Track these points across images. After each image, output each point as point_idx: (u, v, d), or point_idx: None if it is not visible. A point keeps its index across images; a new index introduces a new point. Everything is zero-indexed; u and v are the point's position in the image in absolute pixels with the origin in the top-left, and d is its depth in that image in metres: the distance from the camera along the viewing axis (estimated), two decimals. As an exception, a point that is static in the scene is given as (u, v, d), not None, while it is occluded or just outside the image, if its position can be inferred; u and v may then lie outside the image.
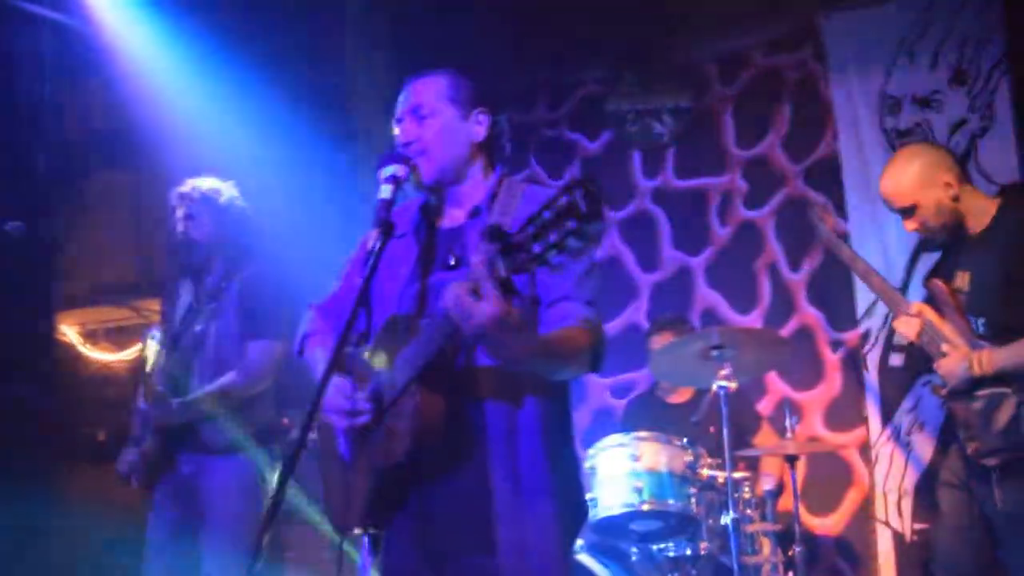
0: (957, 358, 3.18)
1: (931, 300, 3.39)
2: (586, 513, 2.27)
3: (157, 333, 3.89)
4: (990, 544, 3.21)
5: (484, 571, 2.06)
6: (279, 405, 3.81)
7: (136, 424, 3.75)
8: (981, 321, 3.18)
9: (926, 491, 4.40)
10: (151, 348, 3.85)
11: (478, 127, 2.24)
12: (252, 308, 3.64)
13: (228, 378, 3.57)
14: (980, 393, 3.14)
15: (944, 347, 3.23)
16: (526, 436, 2.08)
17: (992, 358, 3.09)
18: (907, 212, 3.28)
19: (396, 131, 2.25)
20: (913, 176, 3.27)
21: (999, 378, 3.09)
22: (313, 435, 4.18)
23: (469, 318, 1.76)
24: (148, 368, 3.78)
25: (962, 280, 3.25)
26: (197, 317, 3.72)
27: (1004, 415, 3.08)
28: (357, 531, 2.24)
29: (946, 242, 3.33)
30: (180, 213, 3.76)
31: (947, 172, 3.24)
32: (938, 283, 3.32)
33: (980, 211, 3.24)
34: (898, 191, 3.30)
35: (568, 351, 2.03)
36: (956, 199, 3.23)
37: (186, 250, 3.78)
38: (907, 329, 3.32)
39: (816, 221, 3.86)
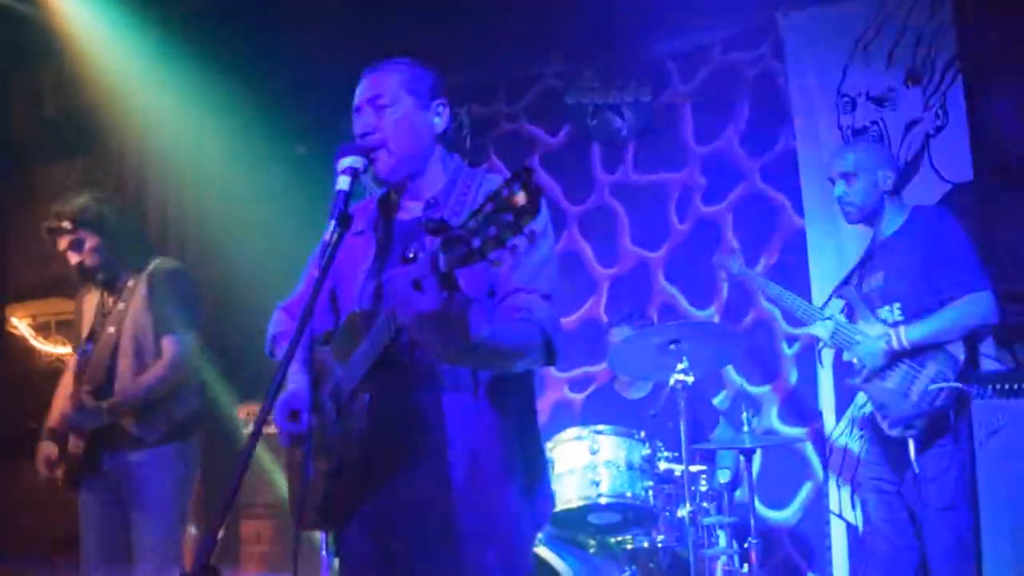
0: (872, 339, 3.47)
1: (845, 307, 3.72)
2: (549, 505, 2.25)
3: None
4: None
5: (442, 564, 2.05)
6: (202, 395, 3.87)
7: (58, 426, 3.72)
8: (897, 306, 3.49)
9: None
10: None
11: (437, 118, 2.22)
12: (161, 304, 3.68)
13: (148, 376, 3.63)
14: (893, 372, 3.42)
15: (857, 338, 3.53)
16: (485, 429, 2.07)
17: (908, 332, 3.38)
18: (846, 176, 3.61)
19: (354, 121, 2.22)
20: (867, 152, 3.66)
21: (913, 354, 3.38)
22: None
23: (407, 311, 1.72)
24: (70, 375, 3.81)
25: (876, 279, 3.60)
26: (107, 319, 3.72)
27: (918, 388, 3.35)
28: (316, 530, 2.22)
29: (864, 219, 3.65)
30: (62, 246, 3.73)
31: (892, 170, 3.63)
32: (848, 289, 3.72)
33: (894, 216, 3.60)
34: (849, 156, 3.66)
35: (514, 347, 2.00)
36: (887, 193, 3.58)
37: (89, 276, 3.78)
38: (822, 331, 3.66)
39: (723, 264, 4.16)
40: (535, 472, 2.18)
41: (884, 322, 3.48)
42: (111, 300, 3.77)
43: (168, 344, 3.67)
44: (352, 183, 2.06)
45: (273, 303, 2.52)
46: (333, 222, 1.98)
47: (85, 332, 3.81)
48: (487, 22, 5.08)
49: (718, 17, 5.16)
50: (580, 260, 5.42)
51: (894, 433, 3.40)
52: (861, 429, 3.74)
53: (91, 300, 3.86)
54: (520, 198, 1.57)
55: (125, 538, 3.63)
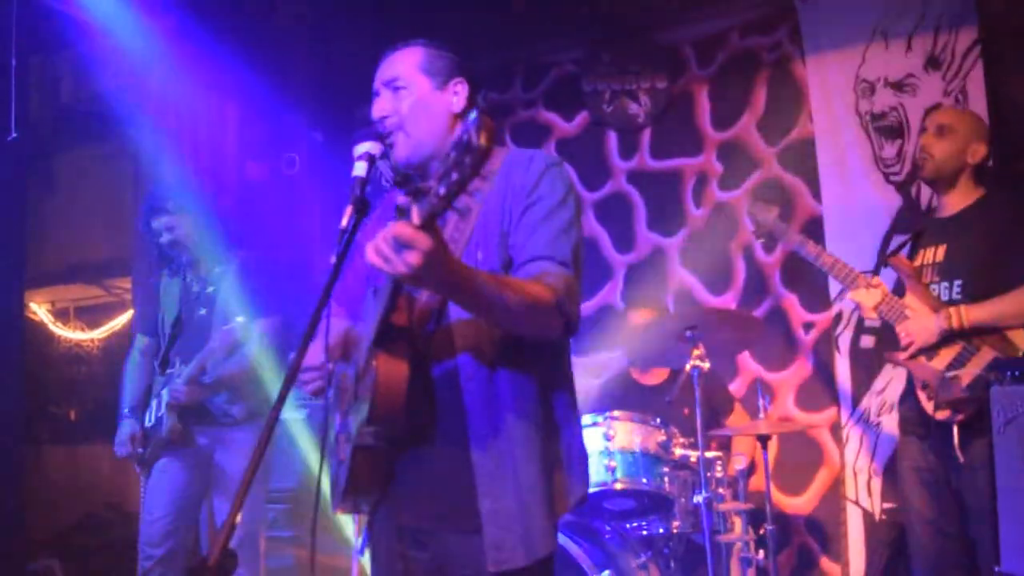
0: (927, 314, 3.30)
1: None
2: (581, 484, 2.16)
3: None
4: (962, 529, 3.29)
5: (467, 547, 2.03)
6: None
7: (140, 404, 3.98)
8: (957, 283, 3.31)
9: (895, 471, 4.46)
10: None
11: (455, 97, 2.20)
12: (251, 290, 3.93)
13: (240, 357, 3.89)
14: (945, 350, 3.26)
15: (907, 312, 3.35)
16: (507, 403, 2.04)
17: (970, 312, 3.21)
18: (941, 129, 3.42)
19: (372, 105, 2.22)
20: (971, 119, 3.50)
21: (970, 335, 3.21)
22: (297, 414, 4.43)
23: (393, 268, 1.72)
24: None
25: (933, 254, 3.40)
26: (197, 303, 3.96)
27: (970, 371, 3.19)
28: (343, 511, 2.21)
29: (934, 177, 3.45)
30: (159, 224, 3.94)
31: (984, 148, 3.41)
32: (901, 258, 3.48)
33: (967, 194, 3.41)
34: (961, 112, 3.60)
35: (520, 299, 1.93)
36: (973, 167, 3.39)
37: (176, 256, 4.01)
38: (867, 299, 3.45)
39: (758, 216, 3.93)
40: (560, 454, 2.12)
41: (938, 299, 3.32)
42: (197, 285, 3.99)
43: (259, 327, 3.92)
44: (369, 169, 2.06)
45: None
46: (349, 208, 1.98)
47: (170, 317, 4.00)
48: (504, 8, 5.07)
49: (735, 2, 5.13)
50: (596, 246, 5.41)
51: (940, 416, 3.23)
52: (902, 415, 3.54)
53: (170, 288, 4.05)
54: (476, 140, 1.57)
55: (196, 508, 3.95)
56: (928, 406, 3.28)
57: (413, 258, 1.69)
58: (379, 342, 1.98)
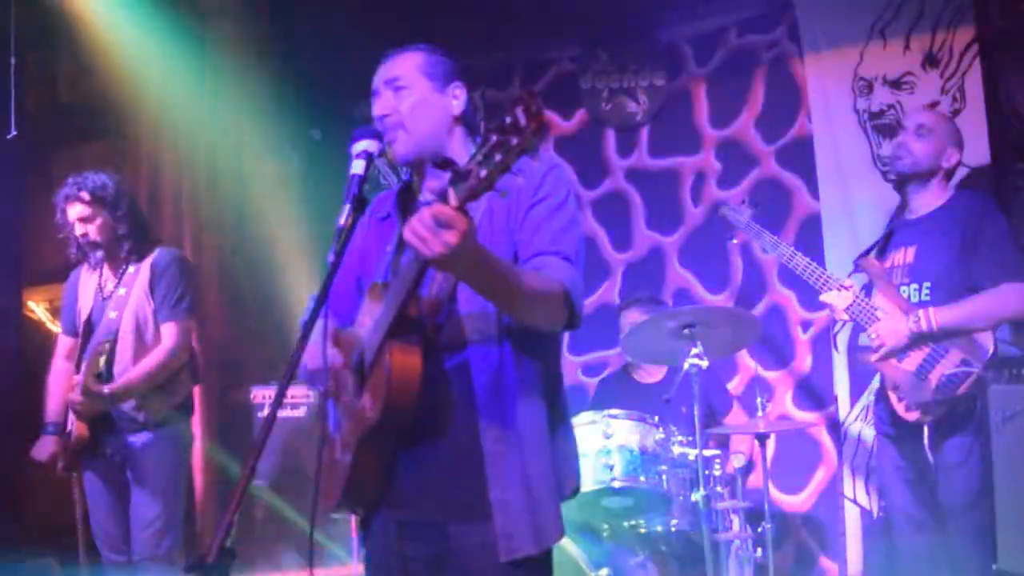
0: (897, 316, 3.31)
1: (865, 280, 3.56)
2: (576, 473, 2.21)
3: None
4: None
5: (474, 537, 2.04)
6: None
7: (60, 419, 3.85)
8: (927, 285, 3.33)
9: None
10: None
11: (455, 100, 2.24)
12: (164, 292, 3.80)
13: (149, 362, 3.73)
14: (914, 353, 3.28)
15: (878, 314, 3.38)
16: (515, 393, 2.06)
17: (938, 315, 3.22)
18: (921, 128, 3.46)
19: (372, 105, 2.23)
20: (949, 125, 3.54)
21: (939, 338, 3.23)
22: (295, 413, 4.39)
23: (430, 249, 1.72)
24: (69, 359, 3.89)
25: (903, 255, 3.43)
26: (108, 304, 3.81)
27: (939, 372, 3.21)
28: (341, 511, 2.21)
29: (912, 174, 3.48)
30: (73, 216, 3.80)
31: (958, 154, 3.48)
32: (870, 260, 3.52)
33: (936, 196, 3.45)
34: (932, 116, 3.61)
35: (534, 289, 1.97)
36: (946, 171, 3.45)
37: (89, 250, 3.85)
38: (839, 301, 3.48)
39: (732, 217, 4.01)
40: (561, 443, 2.16)
41: (907, 301, 3.34)
42: (111, 284, 3.86)
43: (168, 330, 3.79)
44: (367, 167, 2.07)
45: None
46: (347, 206, 1.99)
47: (83, 315, 3.87)
48: (503, 6, 5.07)
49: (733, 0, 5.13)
50: (594, 244, 5.41)
51: (910, 417, 3.28)
52: (876, 414, 3.58)
53: (87, 283, 3.93)
54: (523, 120, 1.58)
55: (124, 515, 3.78)
56: (899, 407, 3.32)
57: (451, 237, 1.70)
58: (392, 334, 1.98)
